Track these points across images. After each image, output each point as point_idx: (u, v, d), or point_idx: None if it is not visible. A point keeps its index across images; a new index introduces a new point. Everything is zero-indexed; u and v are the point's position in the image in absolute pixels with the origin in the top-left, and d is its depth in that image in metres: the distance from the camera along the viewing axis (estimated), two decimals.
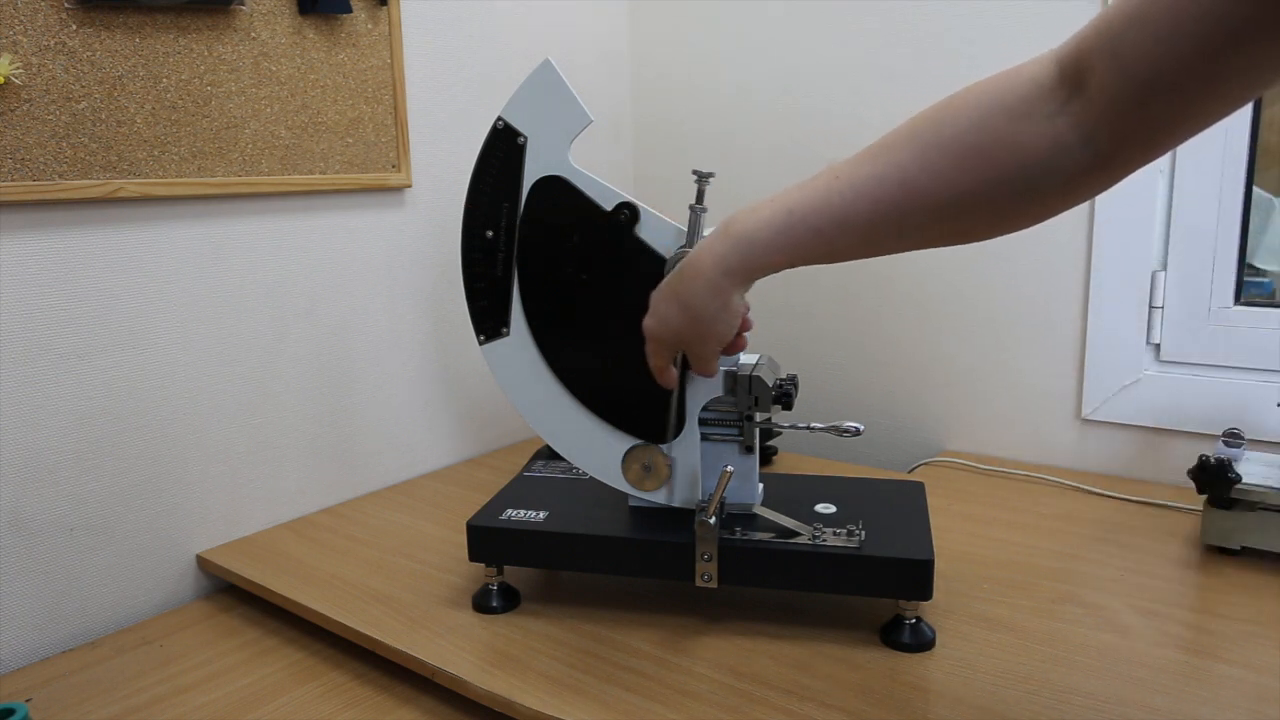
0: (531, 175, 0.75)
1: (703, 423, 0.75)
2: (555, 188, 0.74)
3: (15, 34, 0.77)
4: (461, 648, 0.73)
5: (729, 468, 0.73)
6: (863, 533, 0.72)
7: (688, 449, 0.76)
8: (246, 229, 0.96)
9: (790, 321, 1.31)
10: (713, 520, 0.72)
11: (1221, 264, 1.02)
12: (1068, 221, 1.07)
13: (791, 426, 0.80)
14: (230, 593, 0.92)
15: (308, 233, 1.02)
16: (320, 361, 1.04)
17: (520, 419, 0.92)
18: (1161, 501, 0.98)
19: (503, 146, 0.75)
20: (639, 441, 0.77)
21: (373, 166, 1.06)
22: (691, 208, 0.72)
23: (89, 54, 0.81)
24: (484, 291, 0.78)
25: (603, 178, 0.74)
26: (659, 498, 0.78)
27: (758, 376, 0.73)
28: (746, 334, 0.70)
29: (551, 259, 0.76)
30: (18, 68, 0.77)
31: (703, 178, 0.73)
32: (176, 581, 0.93)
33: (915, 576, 0.69)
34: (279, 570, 0.88)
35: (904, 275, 1.21)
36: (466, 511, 0.84)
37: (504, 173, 0.75)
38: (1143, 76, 0.45)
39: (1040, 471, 1.10)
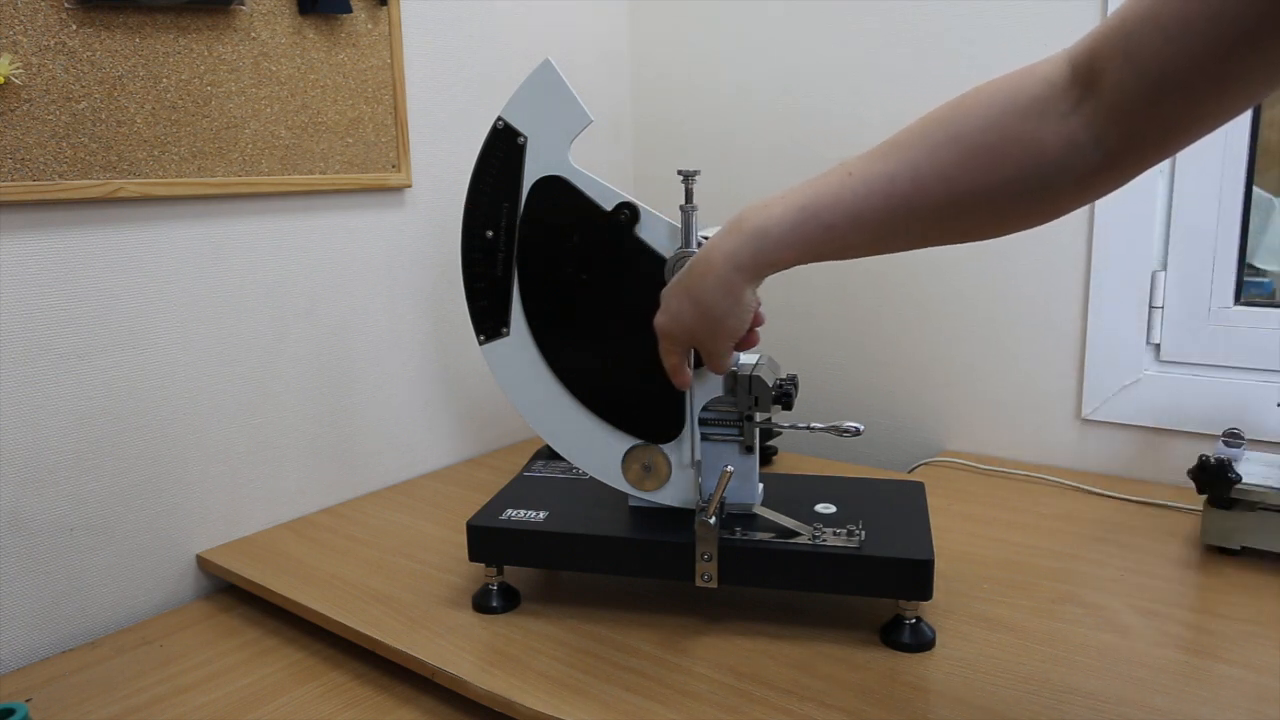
0: (531, 175, 0.75)
1: (703, 423, 0.76)
2: (555, 188, 0.74)
3: (15, 34, 0.77)
4: (461, 648, 0.73)
5: (729, 468, 0.73)
6: (863, 533, 0.72)
7: (688, 449, 0.76)
8: (246, 229, 0.96)
9: (790, 321, 1.31)
10: (713, 520, 0.72)
11: (1221, 264, 1.02)
12: (1068, 221, 1.06)
13: (791, 426, 0.80)
14: (230, 593, 0.92)
15: (308, 233, 1.02)
16: (320, 361, 1.04)
17: (520, 419, 0.92)
18: (1161, 501, 0.98)
19: (503, 146, 0.75)
20: (639, 441, 0.77)
21: (373, 166, 1.06)
22: (682, 208, 0.72)
23: (89, 54, 0.81)
24: (484, 291, 0.78)
25: (603, 178, 0.74)
26: (659, 498, 0.78)
27: (758, 376, 0.73)
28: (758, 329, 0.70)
29: (551, 259, 0.76)
30: (18, 68, 0.77)
31: (689, 176, 0.73)
32: (176, 581, 0.93)
33: (915, 576, 0.69)
34: (279, 570, 0.88)
35: (904, 275, 1.21)
36: (466, 511, 0.84)
37: (504, 173, 0.75)
38: (1154, 76, 0.45)
39: (1040, 471, 1.10)
